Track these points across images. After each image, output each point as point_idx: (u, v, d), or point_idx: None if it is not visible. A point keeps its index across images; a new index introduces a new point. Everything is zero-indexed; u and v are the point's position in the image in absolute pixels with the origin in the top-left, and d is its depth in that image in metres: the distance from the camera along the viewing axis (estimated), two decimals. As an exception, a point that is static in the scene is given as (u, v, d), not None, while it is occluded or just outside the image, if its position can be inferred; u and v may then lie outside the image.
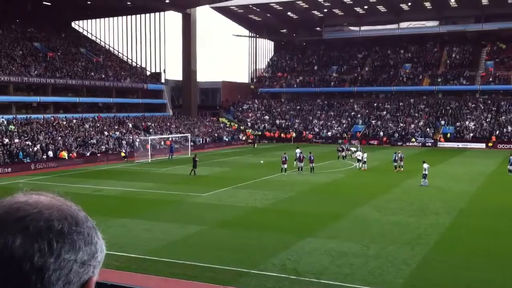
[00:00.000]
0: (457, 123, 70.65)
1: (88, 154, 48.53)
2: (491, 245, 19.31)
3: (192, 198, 29.15)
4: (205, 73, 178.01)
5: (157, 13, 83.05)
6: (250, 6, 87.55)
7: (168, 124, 68.43)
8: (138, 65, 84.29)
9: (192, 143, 58.73)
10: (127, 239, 19.84)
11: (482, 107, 73.45)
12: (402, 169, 40.09)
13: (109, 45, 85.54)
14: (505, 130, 66.97)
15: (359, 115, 78.09)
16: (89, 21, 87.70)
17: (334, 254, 17.99)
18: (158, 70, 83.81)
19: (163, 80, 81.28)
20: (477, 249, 18.64)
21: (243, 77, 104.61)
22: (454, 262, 17.11)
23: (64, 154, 45.64)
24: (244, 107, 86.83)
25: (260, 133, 76.26)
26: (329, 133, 74.38)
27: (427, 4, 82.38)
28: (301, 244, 19.19)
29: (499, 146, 63.47)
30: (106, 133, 55.78)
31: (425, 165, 33.34)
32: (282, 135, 75.34)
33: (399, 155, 40.87)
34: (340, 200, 28.33)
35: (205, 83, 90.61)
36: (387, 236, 20.47)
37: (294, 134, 74.47)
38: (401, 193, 30.46)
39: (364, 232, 21.11)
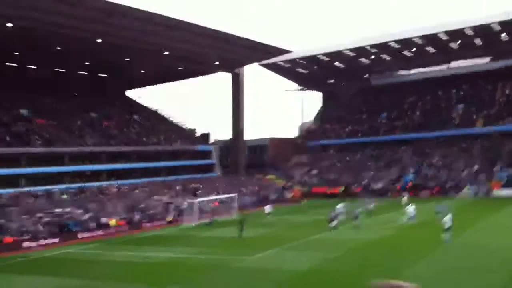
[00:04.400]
0: (514, 167, 67.07)
1: (136, 218, 49.18)
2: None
3: (237, 262, 28.68)
4: (253, 130, 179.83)
5: (206, 75, 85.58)
6: (297, 60, 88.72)
7: (216, 184, 68.90)
8: (188, 128, 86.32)
9: (238, 204, 58.34)
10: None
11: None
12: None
13: (161, 110, 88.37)
14: None
15: (409, 165, 75.77)
16: (142, 88, 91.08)
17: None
18: (207, 131, 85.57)
19: (212, 141, 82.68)
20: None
21: (292, 131, 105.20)
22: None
23: (113, 221, 46.46)
24: (292, 162, 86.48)
25: (307, 189, 74.79)
26: (379, 184, 72.15)
27: (477, 41, 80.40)
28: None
29: None
30: (155, 197, 56.66)
31: (446, 218, 30.95)
32: (328, 191, 72.77)
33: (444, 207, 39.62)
34: (389, 258, 27.17)
35: (253, 140, 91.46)
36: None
37: (342, 188, 72.28)
38: (450, 250, 28.91)
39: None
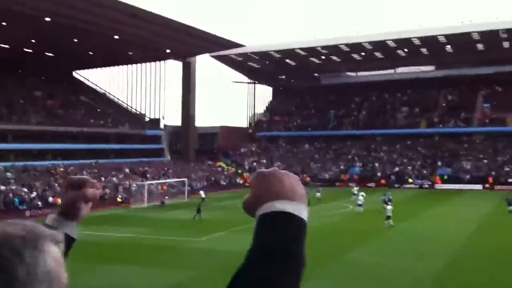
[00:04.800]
0: (454, 165, 70.91)
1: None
2: (490, 285, 19.18)
3: (189, 243, 29.01)
4: (204, 119, 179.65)
5: (157, 62, 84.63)
6: (249, 54, 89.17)
7: (166, 169, 68.64)
8: (137, 112, 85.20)
9: (189, 188, 58.73)
10: (116, 287, 19.71)
11: (479, 149, 73.90)
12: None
13: (109, 92, 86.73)
14: (502, 171, 67.17)
15: (356, 158, 78.48)
16: (90, 70, 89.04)
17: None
18: (157, 116, 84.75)
19: (162, 126, 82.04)
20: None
21: (242, 122, 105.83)
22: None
23: (60, 201, 45.59)
24: (241, 151, 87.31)
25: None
26: (326, 175, 74.47)
27: (424, 50, 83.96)
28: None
29: (496, 187, 63.47)
30: (103, 178, 55.90)
31: (388, 207, 33.68)
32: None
33: (389, 197, 41.60)
34: (332, 242, 28.15)
35: (204, 128, 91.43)
36: (382, 281, 20.34)
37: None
38: (395, 236, 30.33)
39: (357, 275, 20.98)
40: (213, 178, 70.07)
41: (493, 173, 66.76)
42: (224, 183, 70.32)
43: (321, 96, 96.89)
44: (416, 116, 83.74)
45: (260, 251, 1.07)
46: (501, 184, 64.17)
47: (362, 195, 42.93)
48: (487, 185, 64.13)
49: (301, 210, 1.12)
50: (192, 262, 23.98)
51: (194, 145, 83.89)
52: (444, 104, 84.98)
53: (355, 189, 53.49)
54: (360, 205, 41.80)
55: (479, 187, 64.18)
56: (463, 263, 23.13)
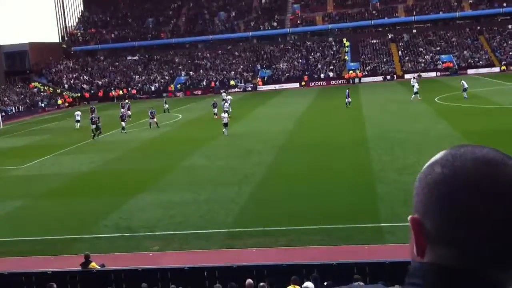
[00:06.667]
0: (272, 66, 74.53)
1: None
2: (309, 174, 21.18)
3: (10, 171, 27.02)
4: (8, 36, 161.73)
5: None
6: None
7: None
8: None
9: (3, 113, 53.69)
10: None
11: (293, 49, 78.29)
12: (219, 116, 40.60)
13: None
14: (315, 69, 72.49)
15: (180, 67, 78.12)
16: None
17: (167, 205, 18.29)
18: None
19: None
20: (297, 180, 20.29)
21: (53, 37, 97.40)
22: (277, 195, 18.51)
23: None
24: (58, 68, 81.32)
25: (79, 94, 72.20)
26: (152, 88, 73.40)
27: None
28: (133, 202, 19.13)
29: (311, 84, 68.66)
30: None
31: (224, 115, 33.23)
32: (107, 94, 71.41)
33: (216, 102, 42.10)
34: (169, 153, 28.46)
35: (10, 46, 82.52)
36: (217, 180, 21.31)
37: (120, 92, 71.19)
38: (225, 140, 31.58)
39: (194, 181, 21.69)
40: (28, 101, 64.64)
41: (308, 71, 71.74)
42: (43, 105, 65.51)
43: (136, 3, 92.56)
44: (233, 20, 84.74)
45: None
46: (314, 80, 69.49)
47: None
48: (303, 83, 68.94)
49: None
50: (19, 190, 22.49)
51: (1, 66, 75.80)
52: (258, 8, 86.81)
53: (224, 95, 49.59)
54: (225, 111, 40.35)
55: (296, 85, 68.74)
56: (285, 157, 25.07)
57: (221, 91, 60.40)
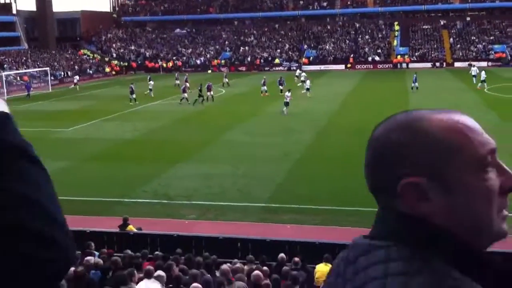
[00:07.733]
0: (319, 46, 73.64)
1: None
2: (347, 156, 20.95)
3: (56, 133, 27.84)
4: (62, 2, 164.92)
5: None
6: None
7: (24, 58, 63.34)
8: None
9: (52, 78, 55.17)
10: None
11: (341, 30, 77.06)
12: (267, 93, 40.98)
13: None
14: (362, 51, 71.23)
15: (226, 42, 78.15)
16: None
17: (205, 176, 18.50)
18: (7, 0, 76.10)
19: (14, 11, 74.20)
20: (335, 162, 20.14)
21: (105, 6, 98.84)
22: (315, 175, 18.44)
23: None
24: (107, 37, 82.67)
25: (126, 64, 73.34)
26: (198, 61, 73.79)
27: None
28: (172, 171, 19.43)
29: (357, 66, 67.57)
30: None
31: (287, 93, 32.76)
32: (151, 65, 72.37)
33: (264, 80, 41.94)
34: (211, 127, 28.67)
35: (63, 13, 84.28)
36: (256, 156, 21.38)
37: (165, 64, 71.94)
38: (267, 117, 31.55)
39: (234, 154, 21.83)
40: (76, 67, 66.08)
41: (354, 54, 70.54)
42: (91, 72, 66.92)
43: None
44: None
45: None
46: (361, 63, 68.35)
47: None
48: (349, 65, 67.91)
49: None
50: (64, 152, 23.17)
51: (53, 32, 77.51)
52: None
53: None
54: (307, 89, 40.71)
55: (341, 67, 67.77)
56: (326, 138, 24.88)
57: (296, 69, 60.84)
